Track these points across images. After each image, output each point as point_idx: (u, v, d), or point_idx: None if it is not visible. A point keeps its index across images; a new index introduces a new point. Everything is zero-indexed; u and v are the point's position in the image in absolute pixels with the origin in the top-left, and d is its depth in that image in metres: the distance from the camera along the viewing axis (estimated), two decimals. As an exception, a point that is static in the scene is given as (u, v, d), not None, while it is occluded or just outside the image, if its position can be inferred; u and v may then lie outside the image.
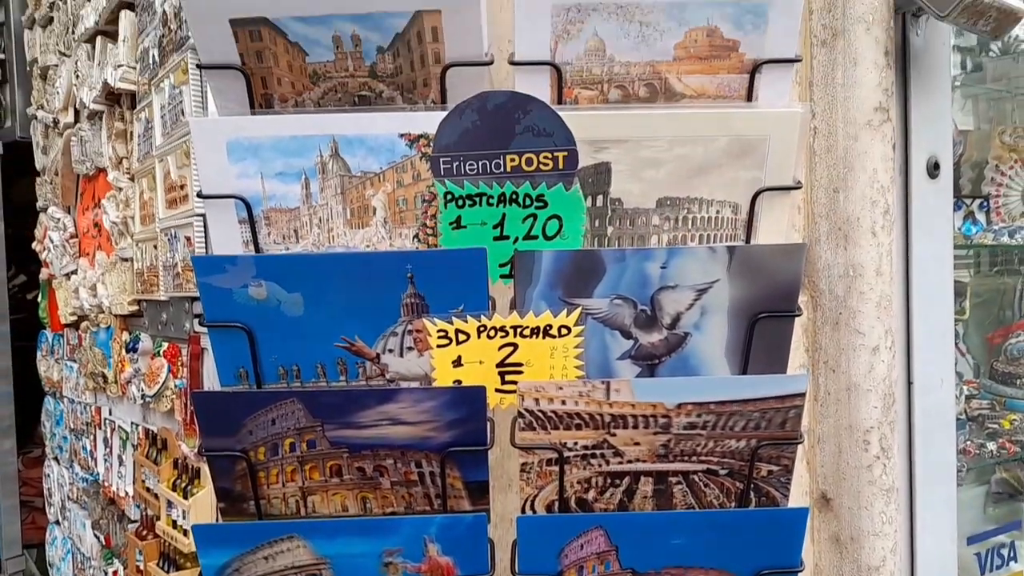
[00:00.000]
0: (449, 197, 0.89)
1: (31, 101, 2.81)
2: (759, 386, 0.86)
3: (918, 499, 1.16)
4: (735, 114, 0.91)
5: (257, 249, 0.93)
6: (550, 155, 0.88)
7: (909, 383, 1.19)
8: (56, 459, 2.58)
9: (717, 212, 0.94)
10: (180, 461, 1.29)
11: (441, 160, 0.88)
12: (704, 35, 0.92)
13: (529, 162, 0.88)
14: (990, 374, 2.03)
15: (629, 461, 0.90)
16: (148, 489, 1.44)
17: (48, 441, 2.69)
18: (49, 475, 2.67)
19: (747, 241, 0.94)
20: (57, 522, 2.69)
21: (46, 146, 2.57)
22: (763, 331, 0.90)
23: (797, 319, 1.16)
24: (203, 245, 1.21)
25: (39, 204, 2.62)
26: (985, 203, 1.98)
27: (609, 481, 0.91)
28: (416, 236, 0.95)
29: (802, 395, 0.87)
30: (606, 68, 0.93)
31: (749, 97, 0.94)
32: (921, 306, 1.20)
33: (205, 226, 1.21)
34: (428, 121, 0.89)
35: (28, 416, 3.48)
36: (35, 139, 2.71)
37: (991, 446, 1.73)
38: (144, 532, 1.61)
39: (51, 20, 2.46)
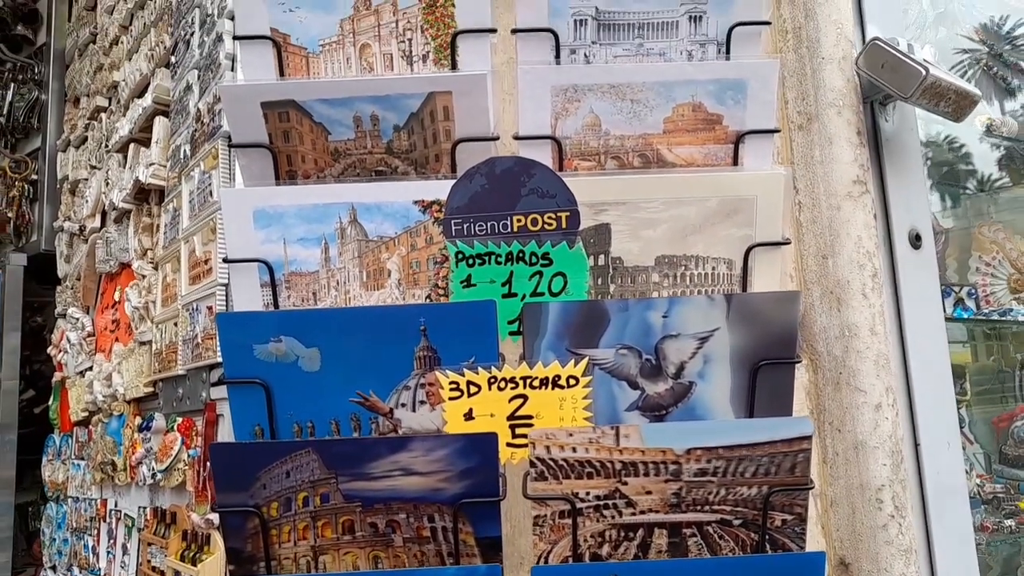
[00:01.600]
0: (460, 256, 0.95)
1: (58, 215, 2.97)
2: (766, 429, 0.88)
3: (938, 564, 1.14)
4: (724, 177, 0.98)
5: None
6: (554, 215, 0.95)
7: (916, 444, 1.20)
8: (53, 567, 2.52)
9: (713, 268, 1.00)
10: (189, 532, 1.28)
11: (452, 221, 0.95)
12: (690, 110, 1.01)
13: (535, 222, 0.95)
14: (1000, 458, 2.01)
15: (642, 512, 0.90)
16: (154, 568, 1.40)
17: (46, 549, 2.63)
18: (43, 587, 2.59)
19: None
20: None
21: (69, 255, 2.69)
22: (765, 379, 0.93)
23: (799, 383, 1.18)
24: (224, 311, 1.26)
25: (58, 310, 2.71)
26: (973, 291, 2.03)
27: (623, 535, 0.91)
28: (428, 296, 1.00)
29: (809, 438, 0.88)
30: (602, 141, 1.02)
31: (734, 165, 1.02)
32: (919, 368, 1.23)
33: (227, 294, 1.26)
34: (440, 188, 0.96)
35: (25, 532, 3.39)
36: (59, 249, 2.84)
37: (1009, 523, 1.70)
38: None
39: (84, 140, 2.65)
